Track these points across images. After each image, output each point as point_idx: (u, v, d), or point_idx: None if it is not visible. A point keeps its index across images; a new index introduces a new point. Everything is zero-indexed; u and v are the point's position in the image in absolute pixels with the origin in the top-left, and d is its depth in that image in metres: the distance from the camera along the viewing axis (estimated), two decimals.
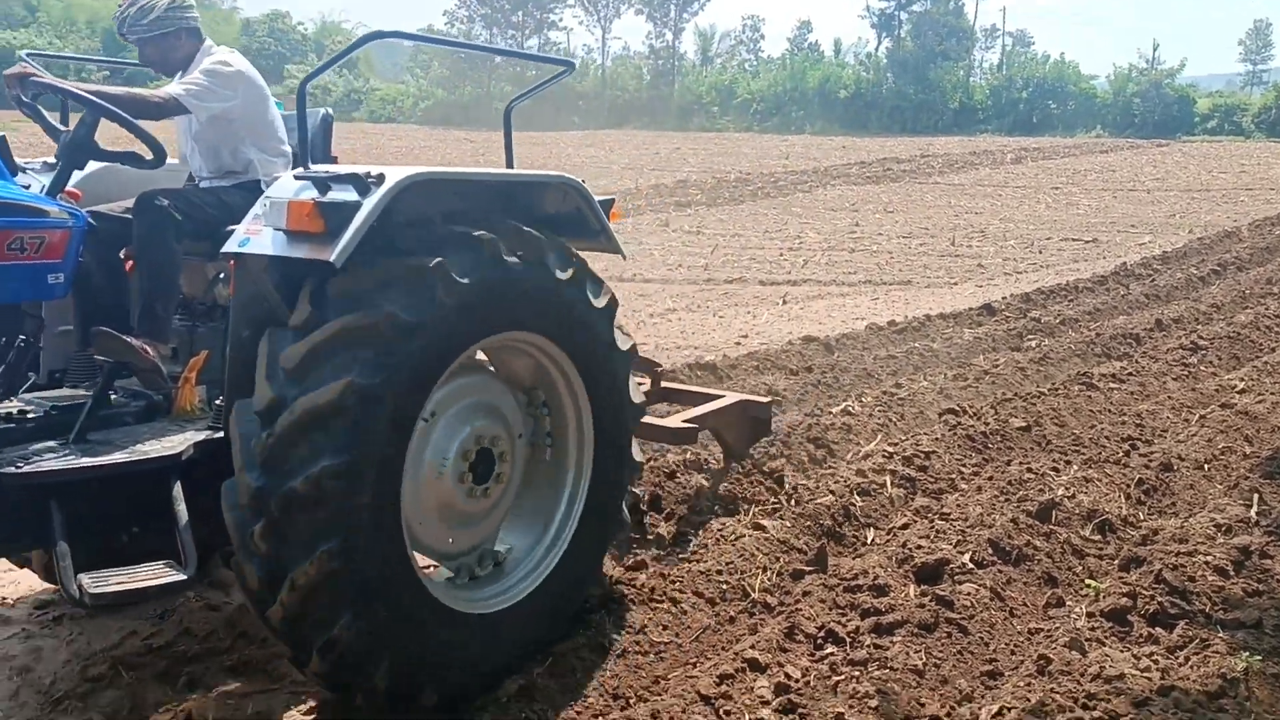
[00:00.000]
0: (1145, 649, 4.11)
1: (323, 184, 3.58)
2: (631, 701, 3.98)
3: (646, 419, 5.10)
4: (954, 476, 6.26)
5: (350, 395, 3.29)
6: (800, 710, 3.77)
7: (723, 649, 4.40)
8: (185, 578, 3.34)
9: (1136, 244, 16.75)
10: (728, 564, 4.90)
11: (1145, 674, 3.86)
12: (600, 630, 4.30)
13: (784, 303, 12.76)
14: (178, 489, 3.55)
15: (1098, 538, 5.32)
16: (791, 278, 14.36)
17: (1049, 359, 9.11)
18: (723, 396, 5.81)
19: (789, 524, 5.37)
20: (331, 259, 3.41)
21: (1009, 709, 3.73)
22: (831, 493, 5.79)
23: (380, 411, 3.36)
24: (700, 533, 5.28)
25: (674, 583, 4.71)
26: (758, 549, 5.07)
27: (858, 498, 5.78)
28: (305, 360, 3.35)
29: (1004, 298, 12.15)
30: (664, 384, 6.01)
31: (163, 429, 3.92)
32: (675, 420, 5.41)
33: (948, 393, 7.94)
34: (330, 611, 3.37)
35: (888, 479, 6.00)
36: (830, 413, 7.29)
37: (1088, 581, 4.92)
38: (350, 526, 3.34)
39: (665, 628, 4.44)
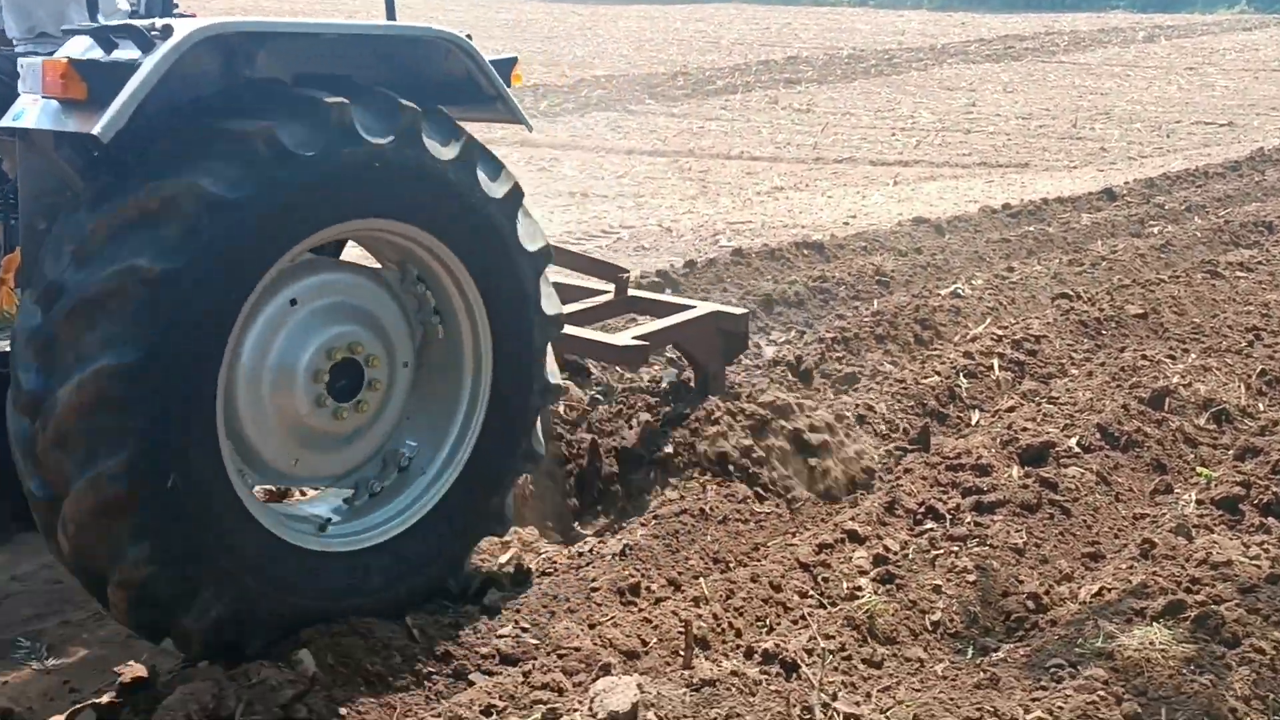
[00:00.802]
0: (1256, 538, 4.05)
1: (106, 40, 3.04)
2: (731, 565, 4.09)
3: (593, 335, 4.60)
4: (1064, 361, 6.15)
5: (135, 280, 2.79)
6: (898, 580, 3.83)
7: (822, 520, 4.48)
8: None
9: (1277, 128, 15.84)
10: None
11: (1254, 562, 3.81)
12: (703, 498, 4.39)
13: (894, 184, 12.47)
14: None
15: (1212, 427, 5.20)
16: (903, 158, 14.00)
17: (1171, 246, 8.77)
18: (692, 308, 5.03)
19: (894, 403, 5.37)
20: (95, 130, 2.83)
21: (1109, 589, 3.73)
22: (937, 374, 5.76)
23: (178, 301, 2.84)
24: None
25: None
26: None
27: (964, 379, 5.73)
28: (90, 240, 2.88)
29: (1126, 183, 11.67)
30: (631, 292, 5.24)
31: None
32: (624, 336, 4.67)
33: (1062, 278, 7.74)
34: (116, 542, 2.89)
35: (995, 362, 5.93)
36: (939, 295, 7.19)
37: (1199, 470, 4.84)
38: (139, 440, 2.84)
39: (766, 499, 4.52)
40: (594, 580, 3.81)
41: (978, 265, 8.36)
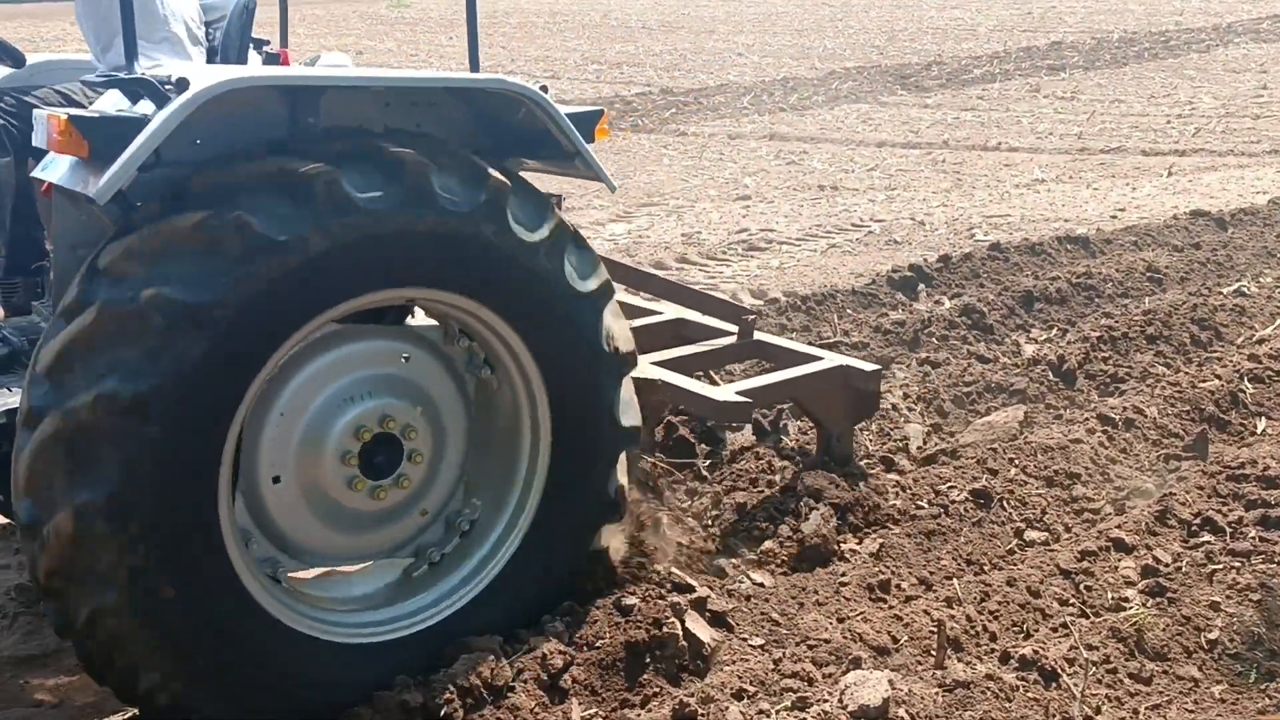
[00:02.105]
0: None
1: (133, 93, 2.86)
2: (986, 568, 3.98)
3: (691, 385, 4.12)
4: None
5: (157, 308, 2.57)
6: (1169, 594, 3.62)
7: (1086, 527, 4.27)
8: None
9: None
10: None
11: None
12: (954, 498, 4.29)
13: (1169, 174, 11.66)
14: None
15: None
16: (1179, 147, 13.05)
17: None
18: (819, 359, 4.49)
19: (1167, 408, 5.06)
20: (91, 192, 2.66)
21: None
22: (1217, 378, 5.37)
23: (196, 340, 2.60)
24: None
25: None
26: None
27: (1248, 384, 5.32)
28: (121, 260, 2.66)
29: None
30: (757, 336, 4.70)
31: None
32: (726, 390, 4.11)
33: None
34: (89, 581, 2.64)
35: None
36: (1220, 293, 6.69)
37: None
38: (128, 472, 2.59)
39: (1024, 503, 4.36)
40: (843, 575, 3.80)
41: (1266, 262, 7.72)
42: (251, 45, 4.09)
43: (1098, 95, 16.84)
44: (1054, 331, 6.49)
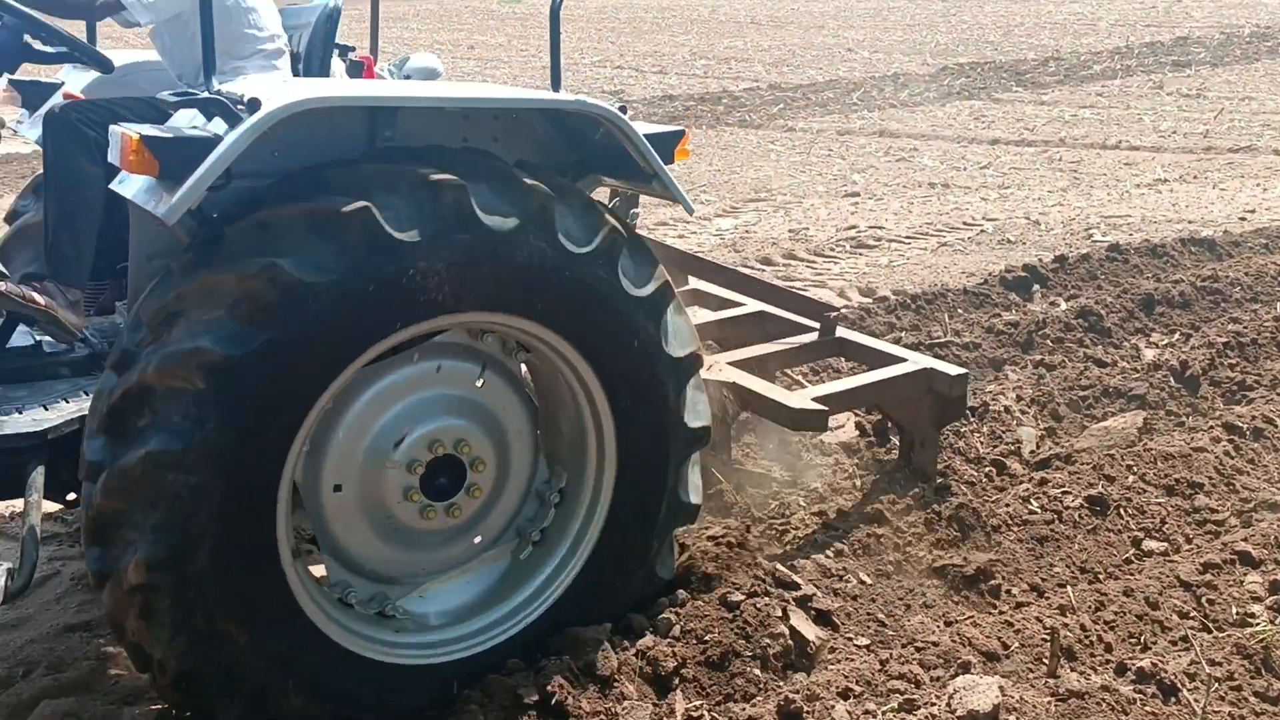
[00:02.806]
0: None
1: (208, 111, 2.83)
2: (1101, 577, 3.87)
3: (765, 389, 3.91)
4: None
5: (200, 365, 2.56)
6: None
7: (1209, 538, 4.13)
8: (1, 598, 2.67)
9: None
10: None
11: None
12: (1068, 504, 4.18)
13: None
14: (36, 475, 2.86)
15: None
16: None
17: None
18: (902, 361, 4.26)
19: None
20: (160, 213, 2.67)
21: None
22: None
23: (241, 393, 2.59)
24: None
25: None
26: None
27: None
28: (161, 313, 2.67)
29: None
30: (841, 334, 4.52)
31: (48, 395, 3.17)
32: (802, 395, 3.93)
33: None
34: (158, 627, 2.67)
35: None
36: None
37: None
38: (187, 528, 2.61)
39: (1142, 511, 4.23)
40: (952, 578, 3.74)
41: None
42: (337, 52, 4.07)
43: (1226, 92, 16.19)
44: (1176, 336, 6.28)
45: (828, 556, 3.93)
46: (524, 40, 24.58)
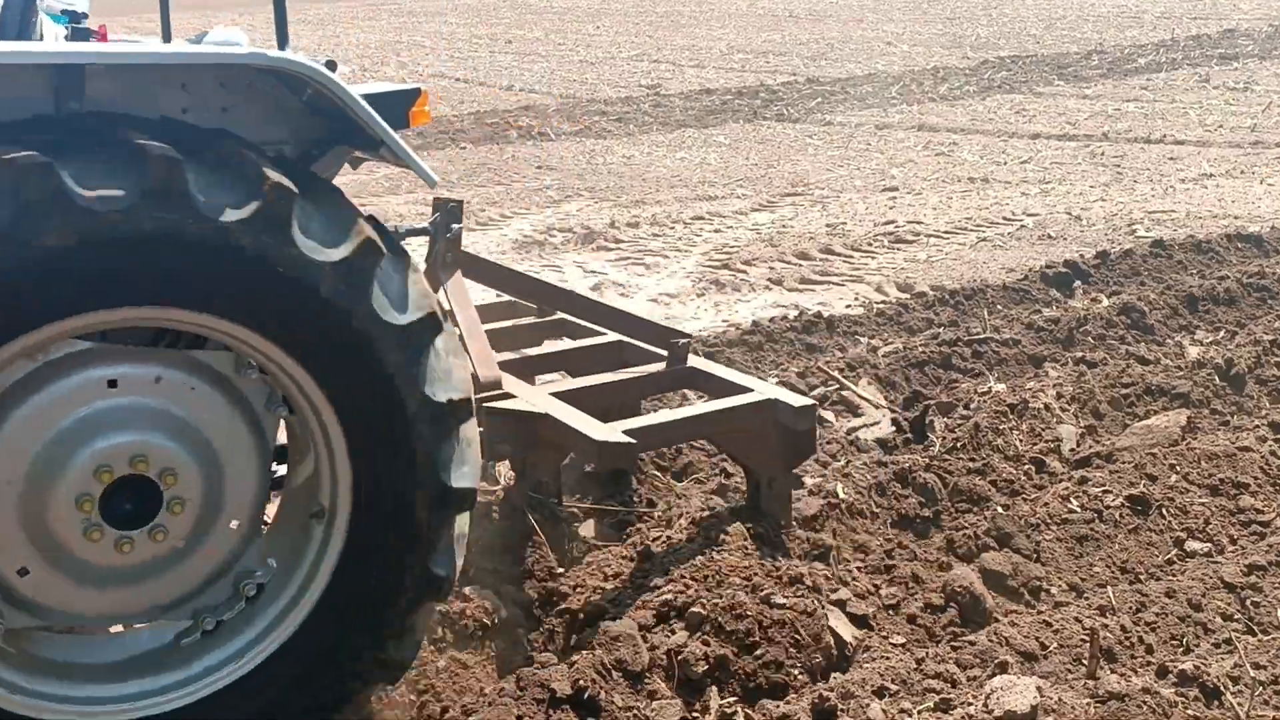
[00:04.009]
0: None
1: None
2: (1142, 578, 3.81)
3: (576, 420, 3.49)
4: None
5: None
6: None
7: (1254, 540, 4.05)
8: None
9: None
10: None
11: None
12: (1109, 503, 4.12)
13: None
14: None
15: None
16: None
17: None
18: (747, 391, 3.84)
19: None
20: None
21: None
22: None
23: None
24: None
25: None
26: None
27: None
28: None
29: None
30: (694, 362, 4.09)
31: None
32: (611, 429, 3.47)
33: None
34: None
35: None
36: None
37: None
38: None
39: (1185, 511, 4.16)
40: (988, 578, 3.70)
41: None
42: (65, 21, 3.39)
43: (1274, 86, 15.91)
44: (1221, 334, 6.17)
45: (864, 555, 3.91)
46: (561, 34, 24.62)
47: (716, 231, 9.42)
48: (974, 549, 3.86)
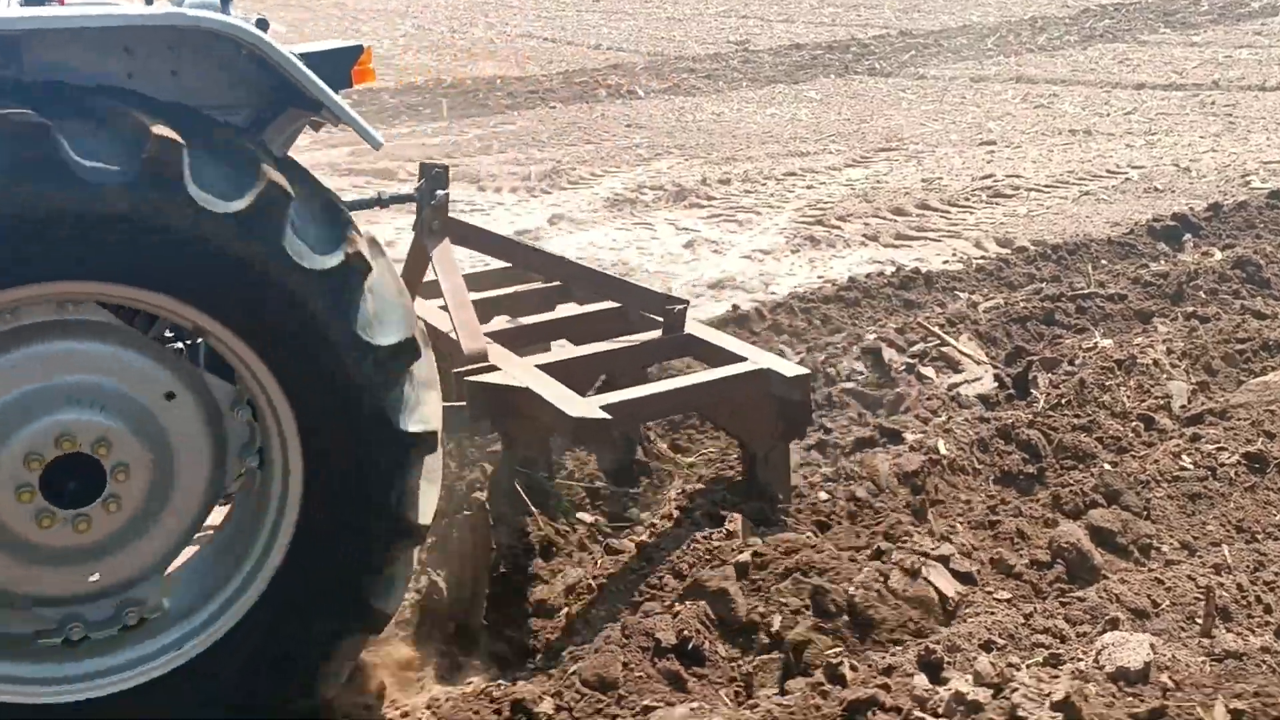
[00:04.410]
0: None
1: None
2: (1259, 536, 3.70)
3: (551, 395, 3.30)
4: None
5: None
6: None
7: None
8: None
9: None
10: None
11: None
12: (1223, 461, 4.00)
13: None
14: None
15: None
16: None
17: None
18: (741, 360, 3.65)
19: None
20: None
21: None
22: None
23: None
24: None
25: None
26: None
27: None
28: None
29: None
30: (691, 330, 3.91)
31: None
32: (587, 404, 3.30)
33: None
34: None
35: None
36: None
37: None
38: None
39: None
40: (1099, 535, 3.63)
41: None
42: None
43: None
44: None
45: (966, 511, 3.86)
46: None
47: (809, 188, 9.31)
48: (1081, 506, 3.79)
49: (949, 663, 2.83)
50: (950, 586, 3.39)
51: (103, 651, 2.64)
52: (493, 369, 3.49)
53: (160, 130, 2.35)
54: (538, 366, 3.55)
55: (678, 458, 4.28)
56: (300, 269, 2.46)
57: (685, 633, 3.05)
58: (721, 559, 3.33)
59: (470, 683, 3.06)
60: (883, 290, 6.19)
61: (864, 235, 7.86)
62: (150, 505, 2.58)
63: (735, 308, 6.05)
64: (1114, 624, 3.03)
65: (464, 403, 3.38)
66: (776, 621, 3.17)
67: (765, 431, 3.63)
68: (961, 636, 2.97)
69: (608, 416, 3.25)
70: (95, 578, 2.60)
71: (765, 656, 3.07)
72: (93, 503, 2.52)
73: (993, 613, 3.22)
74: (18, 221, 2.30)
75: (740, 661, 3.09)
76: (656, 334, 3.89)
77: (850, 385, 4.95)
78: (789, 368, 3.64)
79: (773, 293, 6.61)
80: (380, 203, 3.87)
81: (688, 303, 3.97)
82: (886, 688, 2.67)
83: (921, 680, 2.67)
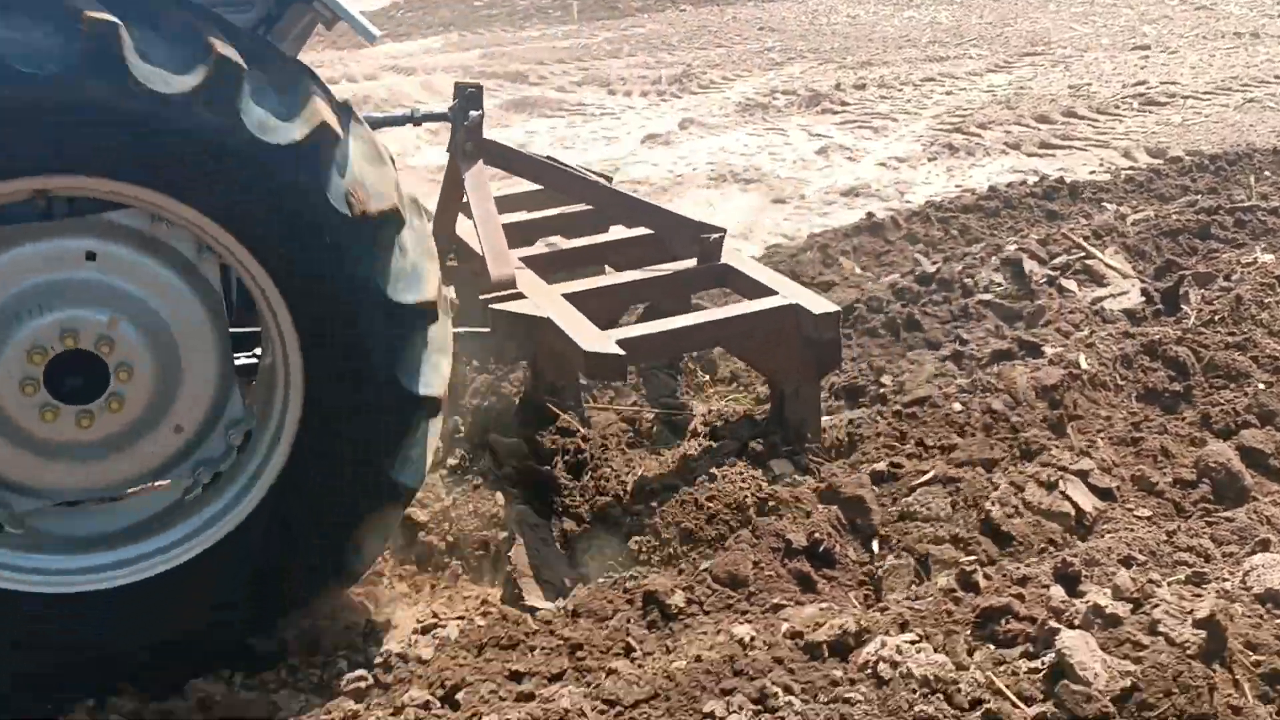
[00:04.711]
0: None
1: None
2: None
3: (568, 326, 3.21)
4: None
5: None
6: None
7: None
8: None
9: None
10: None
11: None
12: None
13: None
14: None
15: None
16: None
17: None
18: (772, 294, 3.48)
19: None
20: None
21: None
22: None
23: None
24: None
25: None
26: None
27: None
28: None
29: None
30: (727, 260, 3.74)
31: None
32: (603, 338, 3.18)
33: None
34: None
35: None
36: None
37: None
38: None
39: None
40: (1249, 456, 3.50)
41: None
42: None
43: None
44: None
45: (1107, 427, 3.77)
46: None
47: (948, 94, 9.00)
48: (1232, 425, 3.65)
49: (1086, 576, 2.79)
50: (1088, 502, 3.33)
51: (122, 543, 2.71)
52: (519, 296, 3.40)
53: (93, 11, 2.29)
54: (564, 296, 3.46)
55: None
56: (261, 142, 2.40)
57: (816, 535, 3.07)
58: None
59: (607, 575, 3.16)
60: (1024, 200, 6.00)
61: (1005, 143, 7.59)
62: (155, 405, 2.61)
63: (869, 215, 5.94)
64: (1264, 545, 2.93)
65: (488, 329, 3.34)
66: (909, 529, 3.18)
67: (793, 369, 3.49)
68: (1100, 551, 2.92)
69: (620, 352, 3.13)
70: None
71: (896, 562, 3.08)
72: (96, 399, 2.56)
73: (1132, 529, 3.15)
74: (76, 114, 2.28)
75: (870, 566, 3.11)
76: (691, 263, 3.75)
77: (988, 297, 4.84)
78: (818, 304, 3.47)
79: (908, 201, 6.47)
80: (413, 120, 3.86)
81: (724, 231, 3.80)
82: (1021, 597, 2.64)
83: (1058, 592, 2.63)
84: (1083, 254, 5.10)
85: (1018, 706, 2.24)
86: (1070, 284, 4.91)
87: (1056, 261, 5.05)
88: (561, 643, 2.75)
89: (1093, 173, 6.73)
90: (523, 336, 3.35)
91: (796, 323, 3.40)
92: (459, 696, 2.54)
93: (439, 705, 2.51)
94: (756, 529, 3.12)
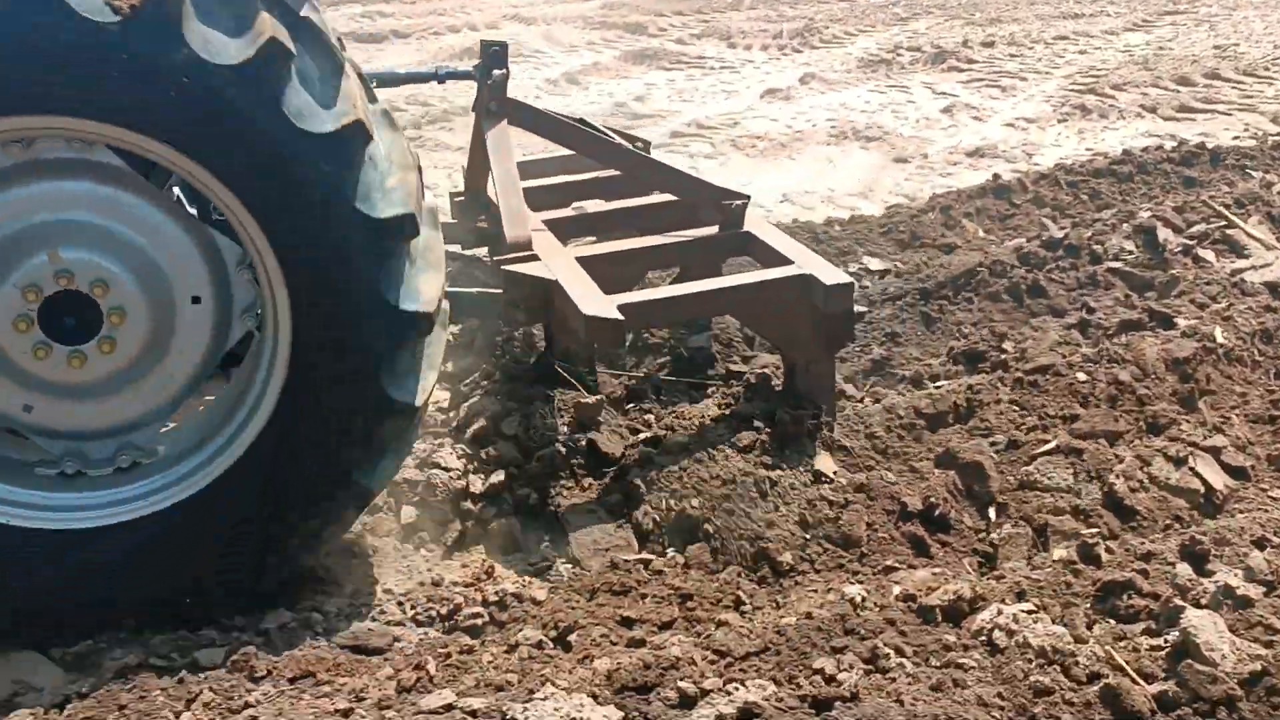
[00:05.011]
0: None
1: None
2: None
3: (571, 288, 3.16)
4: None
5: None
6: None
7: None
8: None
9: None
10: None
11: None
12: None
13: None
14: None
15: None
16: None
17: None
18: (787, 264, 3.37)
19: None
20: None
21: None
22: None
23: None
24: None
25: None
26: None
27: None
28: None
29: None
30: (750, 227, 3.65)
31: None
32: (603, 302, 3.12)
33: None
34: None
35: None
36: None
37: None
38: None
39: None
40: None
41: None
42: None
43: None
44: None
45: (1243, 404, 3.62)
46: None
47: (1082, 53, 8.67)
48: None
49: (1216, 555, 2.70)
50: (1219, 479, 3.22)
51: (96, 486, 2.72)
52: (533, 259, 3.38)
53: None
54: (577, 259, 3.43)
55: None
56: (297, 130, 2.43)
57: (932, 500, 3.04)
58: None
59: None
60: (1160, 166, 5.76)
61: (1141, 106, 7.29)
62: (148, 352, 2.63)
63: (995, 177, 5.78)
64: None
65: (500, 290, 3.33)
66: (1028, 499, 3.12)
67: (803, 341, 3.36)
68: (1231, 530, 2.82)
69: (620, 317, 3.08)
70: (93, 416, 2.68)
71: (1013, 531, 3.02)
72: (89, 341, 2.59)
73: (1267, 510, 3.03)
74: (25, 52, 2.33)
75: (986, 534, 3.06)
76: (713, 230, 3.68)
77: (1118, 265, 4.67)
78: (831, 274, 3.32)
79: (1036, 163, 6.28)
80: (438, 78, 3.85)
81: (748, 198, 3.70)
82: (1145, 573, 2.57)
83: (1185, 569, 2.55)
84: (1223, 223, 4.88)
85: (1137, 683, 2.18)
86: (1208, 254, 4.71)
87: (1193, 230, 4.84)
88: (672, 592, 2.78)
89: (1236, 138, 6.43)
90: (531, 300, 3.31)
91: (808, 293, 3.30)
92: (571, 638, 2.59)
93: (551, 645, 2.56)
94: (871, 490, 3.09)
